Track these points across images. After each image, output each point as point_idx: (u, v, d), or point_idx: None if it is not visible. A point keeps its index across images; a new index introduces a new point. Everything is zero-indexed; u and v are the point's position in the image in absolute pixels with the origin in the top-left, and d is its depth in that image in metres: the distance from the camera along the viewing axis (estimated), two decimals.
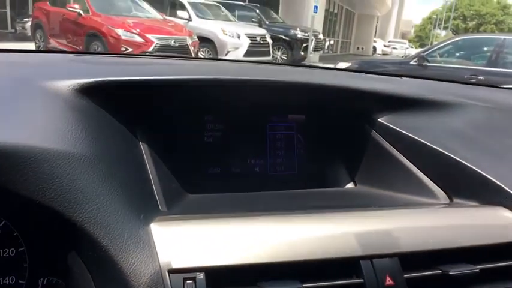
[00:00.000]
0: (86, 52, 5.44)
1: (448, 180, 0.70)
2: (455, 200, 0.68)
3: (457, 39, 6.63)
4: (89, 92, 0.57)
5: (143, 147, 0.64)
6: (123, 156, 0.56)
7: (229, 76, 0.74)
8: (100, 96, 0.58)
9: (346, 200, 0.79)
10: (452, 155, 0.68)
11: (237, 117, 0.85)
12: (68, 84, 0.55)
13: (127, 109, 0.63)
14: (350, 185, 0.86)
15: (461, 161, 0.67)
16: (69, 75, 0.59)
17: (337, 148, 0.92)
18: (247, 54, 8.60)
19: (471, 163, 0.66)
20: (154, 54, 5.38)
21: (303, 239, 0.49)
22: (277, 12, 13.62)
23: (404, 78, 1.11)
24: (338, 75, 1.11)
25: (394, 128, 0.78)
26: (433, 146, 0.71)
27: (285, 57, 10.57)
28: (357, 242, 0.51)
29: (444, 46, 6.12)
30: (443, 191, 0.70)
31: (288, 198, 0.77)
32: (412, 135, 0.75)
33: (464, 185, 0.67)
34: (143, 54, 4.08)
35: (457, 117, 0.83)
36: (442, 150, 0.70)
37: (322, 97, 0.84)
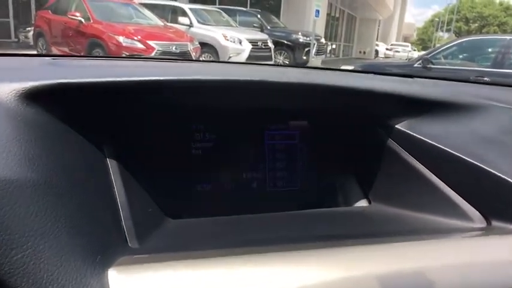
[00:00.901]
0: (71, 55, 5.32)
1: (484, 197, 0.58)
2: (494, 223, 0.56)
3: (461, 40, 6.52)
4: (37, 97, 0.45)
5: (110, 165, 0.53)
6: (81, 178, 0.45)
7: (221, 77, 0.63)
8: (53, 102, 0.47)
9: (359, 224, 0.67)
10: (487, 167, 0.57)
11: (231, 125, 0.74)
12: (10, 88, 0.44)
13: (90, 118, 0.52)
14: (363, 203, 0.75)
15: (498, 174, 0.55)
16: (20, 78, 0.48)
17: (347, 159, 0.80)
18: (249, 59, 8.53)
19: (511, 177, 0.55)
20: (150, 57, 5.32)
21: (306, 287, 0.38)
22: (278, 17, 13.57)
23: (415, 78, 1.00)
24: (345, 75, 0.99)
25: (414, 135, 0.66)
26: (463, 157, 0.60)
27: (287, 62, 10.49)
28: None
29: (448, 48, 6.01)
30: (477, 211, 0.58)
31: (289, 222, 0.65)
32: (436, 144, 0.63)
33: (504, 204, 0.55)
34: (138, 57, 4.00)
35: (485, 122, 0.71)
36: (474, 162, 0.58)
37: (329, 100, 0.72)
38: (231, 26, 9.71)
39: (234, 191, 0.74)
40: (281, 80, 0.66)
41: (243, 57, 8.55)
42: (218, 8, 10.80)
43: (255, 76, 0.64)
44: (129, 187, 0.53)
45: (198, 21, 8.98)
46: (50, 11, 7.92)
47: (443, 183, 0.62)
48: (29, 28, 9.91)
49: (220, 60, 7.92)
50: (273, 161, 0.77)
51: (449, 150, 0.62)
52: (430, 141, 0.64)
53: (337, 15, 21.62)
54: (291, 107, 0.77)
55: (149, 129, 0.65)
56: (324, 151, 0.80)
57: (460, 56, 6.09)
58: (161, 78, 0.56)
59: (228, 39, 8.55)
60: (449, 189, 0.61)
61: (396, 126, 0.69)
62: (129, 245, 0.47)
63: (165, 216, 0.61)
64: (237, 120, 0.74)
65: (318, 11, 11.80)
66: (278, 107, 0.75)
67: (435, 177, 0.63)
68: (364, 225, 0.66)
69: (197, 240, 0.56)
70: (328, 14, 18.39)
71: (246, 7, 13.29)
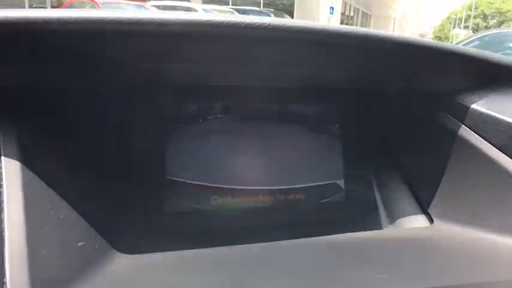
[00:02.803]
0: None
1: None
2: None
3: (482, 34, 6.24)
4: None
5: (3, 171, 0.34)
6: None
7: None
8: None
9: (416, 257, 0.46)
10: None
11: (219, 106, 0.56)
12: None
13: None
14: (421, 222, 0.55)
15: None
16: None
17: (393, 158, 0.60)
18: None
19: None
20: None
21: None
22: (292, 17, 13.39)
23: None
24: None
25: (503, 119, 0.46)
26: None
27: None
28: None
29: (470, 42, 5.72)
30: None
31: (312, 262, 0.45)
32: None
33: None
34: None
35: None
36: None
37: (369, 65, 0.52)
38: None
39: (225, 212, 0.55)
40: (303, 25, 0.44)
41: None
42: (231, 8, 10.69)
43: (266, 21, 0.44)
44: (34, 212, 0.34)
45: None
46: None
47: None
48: None
49: None
50: (287, 160, 0.58)
51: None
52: None
53: (351, 13, 21.33)
54: (317, 79, 0.57)
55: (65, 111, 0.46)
56: (362, 145, 0.60)
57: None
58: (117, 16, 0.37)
59: None
60: None
61: (472, 106, 0.49)
62: None
63: (109, 251, 0.41)
64: (234, 100, 0.55)
65: (332, 8, 11.58)
66: (298, 80, 0.56)
67: None
68: (429, 263, 0.45)
69: None
70: (343, 13, 18.18)
71: (259, 7, 13.17)
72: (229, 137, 0.62)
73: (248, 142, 0.62)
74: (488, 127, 0.50)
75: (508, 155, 0.48)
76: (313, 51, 0.48)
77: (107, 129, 0.53)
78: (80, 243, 0.40)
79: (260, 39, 0.44)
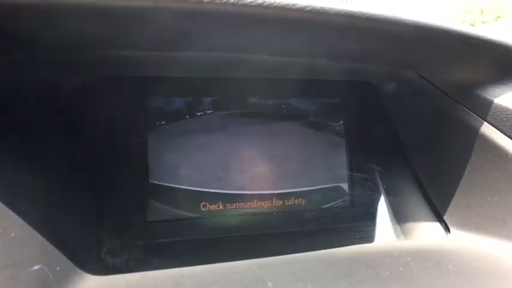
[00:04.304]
0: None
1: None
2: None
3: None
4: None
5: None
6: None
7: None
8: None
9: (434, 274, 0.39)
10: None
11: (220, 101, 0.49)
12: None
13: None
14: (436, 231, 0.49)
15: None
16: None
17: (405, 159, 0.54)
18: None
19: None
20: None
21: None
22: None
23: None
24: None
25: None
26: None
27: None
28: None
29: None
30: None
31: (317, 281, 0.38)
32: None
33: None
34: None
35: None
36: None
37: (382, 50, 0.46)
38: None
39: (221, 219, 0.49)
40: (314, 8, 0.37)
41: None
42: None
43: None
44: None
45: None
46: None
47: None
48: None
49: None
50: (285, 163, 0.52)
51: None
52: None
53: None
54: (322, 69, 0.51)
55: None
56: (364, 147, 0.53)
57: None
58: None
59: None
60: None
61: (494, 100, 0.43)
62: None
63: (74, 273, 0.34)
64: (231, 95, 0.49)
65: None
66: (303, 72, 0.49)
67: None
68: (453, 283, 0.38)
69: None
70: None
71: None
72: (221, 135, 0.55)
73: (242, 140, 0.56)
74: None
75: None
76: (322, 34, 0.41)
77: (70, 132, 0.45)
78: (35, 267, 0.33)
79: (266, 21, 0.37)
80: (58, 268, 0.35)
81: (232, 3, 0.33)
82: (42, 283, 0.33)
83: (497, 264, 0.42)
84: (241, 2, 0.33)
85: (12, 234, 0.33)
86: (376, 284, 0.38)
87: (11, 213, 0.33)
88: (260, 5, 0.34)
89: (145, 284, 0.37)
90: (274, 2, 0.34)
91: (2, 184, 0.34)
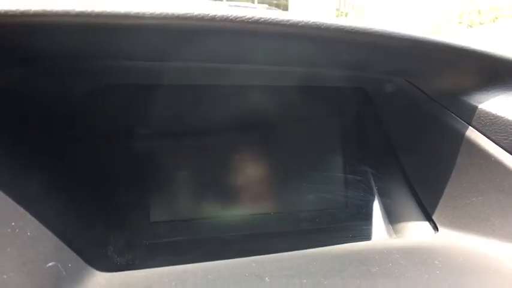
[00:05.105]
0: None
1: None
2: None
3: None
4: None
5: None
6: None
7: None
8: None
9: (421, 271, 0.42)
10: None
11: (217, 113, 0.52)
12: None
13: None
14: (425, 230, 0.51)
15: None
16: None
17: (396, 162, 0.57)
18: None
19: None
20: None
21: None
22: None
23: None
24: None
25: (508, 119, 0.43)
26: None
27: None
28: None
29: None
30: None
31: (311, 277, 0.41)
32: None
33: None
34: None
35: None
36: None
37: (374, 60, 0.48)
38: None
39: (217, 221, 0.51)
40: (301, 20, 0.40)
41: None
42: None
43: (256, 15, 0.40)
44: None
45: None
46: None
47: None
48: None
49: None
50: (281, 166, 0.54)
51: None
52: None
53: (346, 10, 21.34)
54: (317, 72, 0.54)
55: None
56: (358, 150, 0.56)
57: None
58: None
59: None
60: None
61: (479, 106, 0.46)
62: None
63: (86, 270, 0.37)
64: (228, 105, 0.51)
65: None
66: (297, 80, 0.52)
67: None
68: (438, 278, 0.41)
69: None
70: (338, 9, 18.18)
71: (254, 2, 13.13)
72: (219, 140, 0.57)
73: (238, 149, 0.58)
74: (497, 129, 0.46)
75: None
76: (315, 46, 0.44)
77: (79, 137, 0.48)
78: (50, 264, 0.36)
79: (259, 35, 0.40)
80: (70, 265, 0.38)
81: (232, 20, 0.36)
82: (56, 279, 0.36)
83: (481, 260, 0.44)
84: (239, 19, 0.36)
85: (28, 233, 0.35)
86: (366, 279, 0.41)
87: (28, 214, 0.36)
88: (257, 21, 0.37)
89: (151, 280, 0.40)
90: (270, 19, 0.37)
91: (18, 188, 0.36)
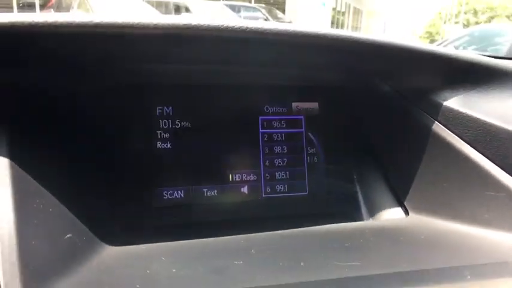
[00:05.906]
0: None
1: None
2: None
3: (473, 30, 6.29)
4: None
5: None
6: None
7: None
8: None
9: (393, 248, 0.49)
10: None
11: (210, 108, 0.57)
12: None
13: None
14: (397, 214, 0.57)
15: None
16: None
17: (373, 152, 0.63)
18: None
19: None
20: None
21: None
22: (283, 12, 13.38)
23: None
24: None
25: (472, 115, 0.49)
26: None
27: None
28: None
29: (460, 38, 5.76)
30: None
31: (292, 251, 0.47)
32: (506, 127, 0.46)
33: None
34: None
35: None
36: None
37: (349, 62, 0.55)
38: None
39: (216, 202, 0.57)
40: (288, 29, 0.46)
41: None
42: (223, 4, 10.66)
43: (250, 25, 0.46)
44: (24, 206, 0.36)
45: None
46: (52, 10, 7.86)
47: None
48: None
49: None
50: (270, 156, 0.61)
51: None
52: (497, 124, 0.47)
53: (343, 9, 21.38)
54: (296, 80, 0.60)
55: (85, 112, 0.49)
56: (341, 142, 0.62)
57: (474, 46, 5.85)
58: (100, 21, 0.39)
59: None
60: None
61: (444, 103, 0.52)
62: None
63: (97, 243, 0.44)
64: (220, 101, 0.57)
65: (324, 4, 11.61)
66: (278, 80, 0.58)
67: (507, 175, 0.45)
68: (401, 250, 0.48)
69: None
70: (334, 9, 18.21)
71: (251, 2, 13.14)
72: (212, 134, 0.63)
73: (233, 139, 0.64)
74: (459, 123, 0.53)
75: (477, 150, 0.51)
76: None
77: (94, 127, 0.54)
78: (67, 236, 0.42)
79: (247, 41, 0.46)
80: (84, 238, 0.44)
81: (219, 29, 0.43)
82: (73, 248, 0.42)
83: (443, 237, 0.51)
84: (225, 27, 0.43)
85: (50, 210, 0.42)
86: (339, 252, 0.47)
87: (49, 195, 0.42)
88: (243, 30, 0.43)
89: (153, 253, 0.46)
90: (253, 27, 0.43)
91: (41, 173, 0.43)
